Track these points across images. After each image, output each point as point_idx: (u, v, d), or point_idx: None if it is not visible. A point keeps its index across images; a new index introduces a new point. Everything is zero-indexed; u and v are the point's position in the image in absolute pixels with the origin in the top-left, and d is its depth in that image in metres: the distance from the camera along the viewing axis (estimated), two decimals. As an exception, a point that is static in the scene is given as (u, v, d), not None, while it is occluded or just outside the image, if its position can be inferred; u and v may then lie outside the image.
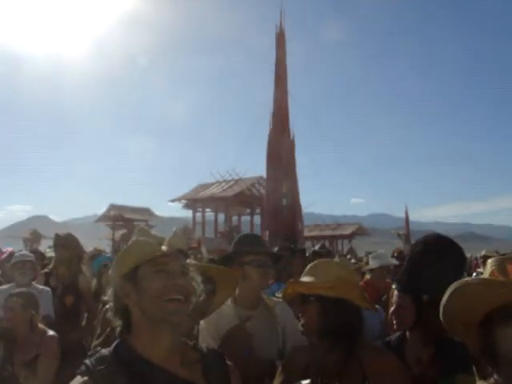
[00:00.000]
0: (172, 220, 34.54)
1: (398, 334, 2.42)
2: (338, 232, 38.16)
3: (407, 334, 2.34)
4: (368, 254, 7.40)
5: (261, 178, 31.52)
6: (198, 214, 36.35)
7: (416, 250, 2.39)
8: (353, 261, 9.18)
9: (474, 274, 6.92)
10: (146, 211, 38.36)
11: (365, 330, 2.18)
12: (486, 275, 1.54)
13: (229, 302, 2.73)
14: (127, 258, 1.53)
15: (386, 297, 4.57)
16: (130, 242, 1.55)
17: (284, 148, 23.84)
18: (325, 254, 6.48)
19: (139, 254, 1.51)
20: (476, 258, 10.77)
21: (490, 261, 1.58)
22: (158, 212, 40.79)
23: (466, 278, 1.53)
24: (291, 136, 24.71)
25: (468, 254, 8.56)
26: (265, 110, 25.29)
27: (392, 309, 2.37)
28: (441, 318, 1.53)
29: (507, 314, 1.40)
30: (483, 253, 9.20)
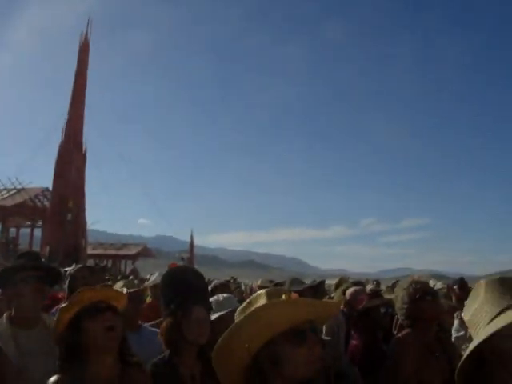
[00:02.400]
0: None
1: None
2: (122, 252, 37.50)
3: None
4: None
5: (46, 189, 29.56)
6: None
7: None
8: (135, 281, 9.34)
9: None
10: None
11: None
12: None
13: (4, 320, 2.68)
14: None
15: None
16: None
17: (74, 161, 22.93)
18: (98, 270, 6.53)
19: None
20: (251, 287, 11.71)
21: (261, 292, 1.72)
22: None
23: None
24: (83, 150, 23.90)
25: (247, 280, 9.29)
26: (60, 120, 24.02)
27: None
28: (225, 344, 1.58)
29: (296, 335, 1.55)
30: (259, 283, 9.74)
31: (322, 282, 3.48)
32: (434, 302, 3.05)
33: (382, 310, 4.24)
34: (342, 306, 4.79)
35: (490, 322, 1.59)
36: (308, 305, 1.65)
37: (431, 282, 9.18)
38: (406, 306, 3.05)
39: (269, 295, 1.70)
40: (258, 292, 1.71)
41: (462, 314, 1.88)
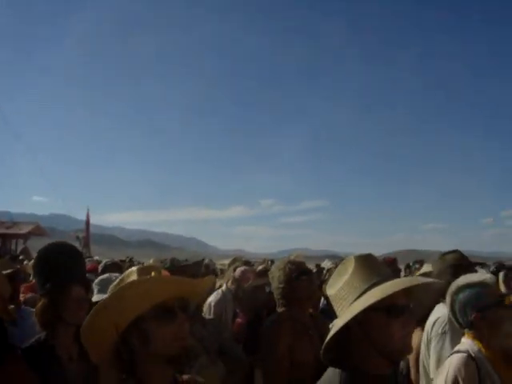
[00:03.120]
0: None
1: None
2: (12, 231, 35.21)
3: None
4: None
5: None
6: None
7: None
8: (25, 262, 8.85)
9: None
10: None
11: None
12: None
13: None
14: None
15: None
16: None
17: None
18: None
19: None
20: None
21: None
22: None
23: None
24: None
25: (145, 260, 9.13)
26: None
27: None
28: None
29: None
30: (151, 262, 9.52)
31: (199, 262, 3.54)
32: (309, 282, 3.16)
33: (268, 289, 4.40)
34: (229, 284, 4.93)
35: (359, 297, 1.68)
36: (175, 282, 1.68)
37: (326, 263, 9.69)
38: (282, 286, 3.13)
39: (140, 272, 1.72)
40: (130, 269, 1.73)
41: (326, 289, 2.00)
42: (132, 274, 1.68)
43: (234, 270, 5.16)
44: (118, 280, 1.71)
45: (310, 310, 3.36)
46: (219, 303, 4.86)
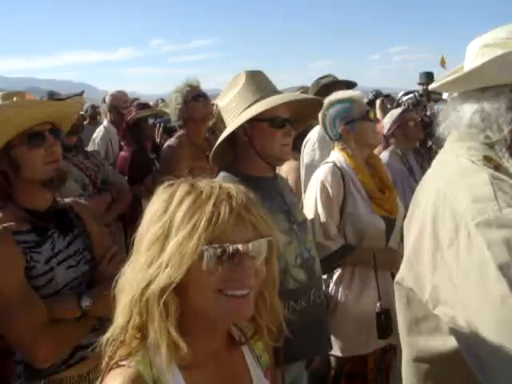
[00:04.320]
0: None
1: None
2: None
3: None
4: None
5: None
6: None
7: None
8: None
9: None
10: None
11: None
12: None
13: None
14: None
15: None
16: None
17: None
18: None
19: None
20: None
21: None
22: None
23: None
24: None
25: None
26: None
27: None
28: None
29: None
30: None
31: (78, 94, 3.41)
32: (204, 104, 3.28)
33: (151, 121, 4.37)
34: (108, 117, 4.93)
35: (247, 108, 1.85)
36: (38, 106, 1.66)
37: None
38: (179, 107, 3.25)
39: (3, 98, 1.63)
40: None
41: (216, 101, 2.09)
42: None
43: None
44: None
45: (206, 135, 3.52)
46: (103, 138, 4.91)
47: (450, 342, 1.13)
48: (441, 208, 1.17)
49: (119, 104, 5.11)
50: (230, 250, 0.90)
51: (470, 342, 1.06)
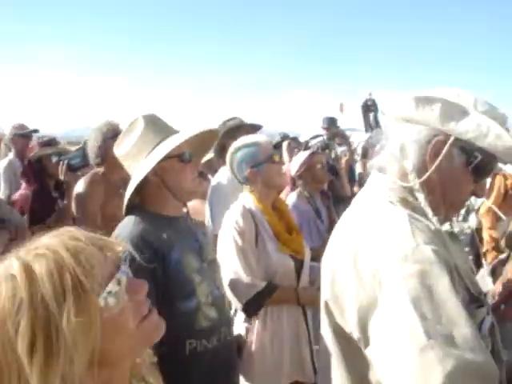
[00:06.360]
0: None
1: None
2: None
3: None
4: None
5: None
6: None
7: None
8: None
9: None
10: None
11: None
12: None
13: None
14: None
15: None
16: None
17: None
18: None
19: None
20: None
21: None
22: None
23: None
24: None
25: None
26: None
27: None
28: None
29: None
30: None
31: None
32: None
33: (55, 159, 4.21)
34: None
35: (153, 149, 1.88)
36: None
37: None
38: (98, 144, 3.25)
39: None
40: None
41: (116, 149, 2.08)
42: None
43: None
44: None
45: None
46: (6, 171, 4.97)
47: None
48: (361, 245, 1.25)
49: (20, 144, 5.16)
50: None
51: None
